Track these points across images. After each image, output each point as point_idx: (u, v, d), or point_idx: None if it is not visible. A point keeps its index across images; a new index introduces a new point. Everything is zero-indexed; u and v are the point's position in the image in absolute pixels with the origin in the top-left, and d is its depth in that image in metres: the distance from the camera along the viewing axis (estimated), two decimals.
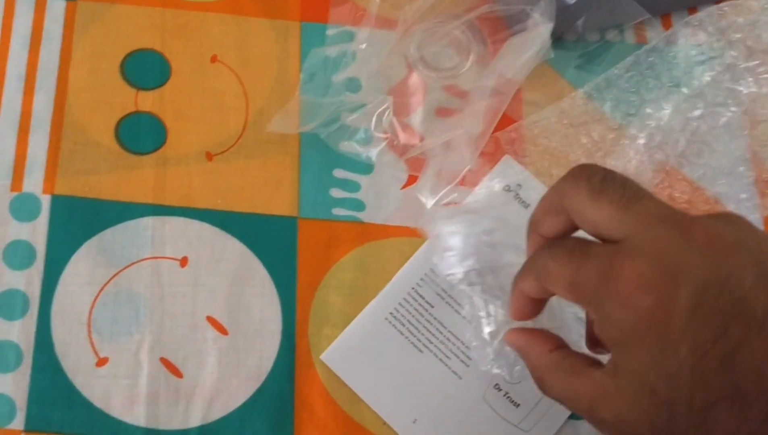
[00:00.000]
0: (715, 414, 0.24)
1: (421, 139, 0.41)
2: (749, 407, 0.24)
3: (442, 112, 0.43)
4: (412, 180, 0.42)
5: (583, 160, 0.41)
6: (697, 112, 0.43)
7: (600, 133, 0.42)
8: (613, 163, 0.41)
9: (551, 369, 0.30)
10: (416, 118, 0.42)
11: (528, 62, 0.41)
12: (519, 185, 0.41)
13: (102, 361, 0.37)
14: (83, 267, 0.38)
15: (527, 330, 0.32)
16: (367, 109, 0.41)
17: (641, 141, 0.42)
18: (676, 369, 0.24)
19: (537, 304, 0.32)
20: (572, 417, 0.37)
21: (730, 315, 0.24)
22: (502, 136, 0.41)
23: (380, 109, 0.41)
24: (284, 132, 0.41)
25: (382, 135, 0.42)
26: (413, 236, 0.41)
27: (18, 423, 0.35)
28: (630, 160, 0.41)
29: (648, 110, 0.43)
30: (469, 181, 0.41)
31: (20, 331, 0.37)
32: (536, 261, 0.30)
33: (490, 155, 0.42)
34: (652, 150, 0.42)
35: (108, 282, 0.38)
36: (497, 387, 0.38)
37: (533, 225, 0.31)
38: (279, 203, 0.41)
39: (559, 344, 0.31)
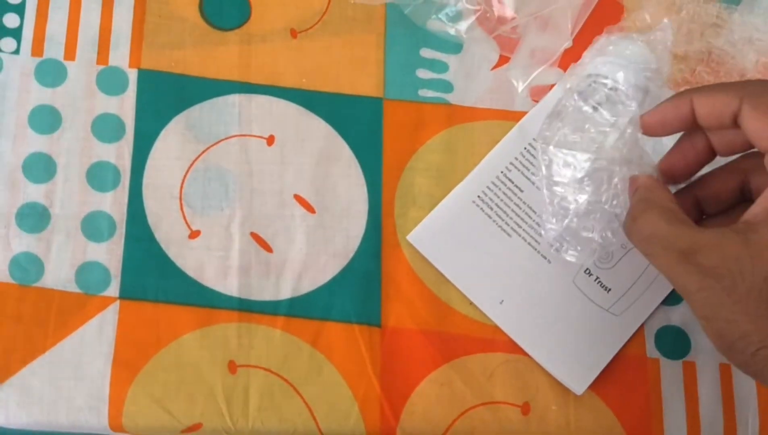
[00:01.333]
0: None
1: (513, 12, 0.39)
2: None
3: None
4: (503, 60, 0.40)
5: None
6: None
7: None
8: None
9: (660, 209, 0.28)
10: None
11: None
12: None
13: (195, 234, 0.37)
14: (173, 142, 0.38)
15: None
16: None
17: None
18: None
19: (684, 125, 0.30)
20: (664, 303, 0.37)
21: None
22: None
23: None
24: (368, 2, 0.39)
25: (473, 6, 0.40)
26: (503, 119, 0.39)
27: (113, 290, 0.36)
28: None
29: None
30: (564, 63, 0.39)
31: (112, 203, 0.37)
32: (745, 83, 0.28)
33: (586, 36, 0.39)
34: None
35: (197, 158, 0.38)
36: (588, 272, 0.37)
37: (688, 93, 0.29)
38: (364, 83, 0.40)
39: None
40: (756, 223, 0.26)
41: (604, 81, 0.34)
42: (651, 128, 0.31)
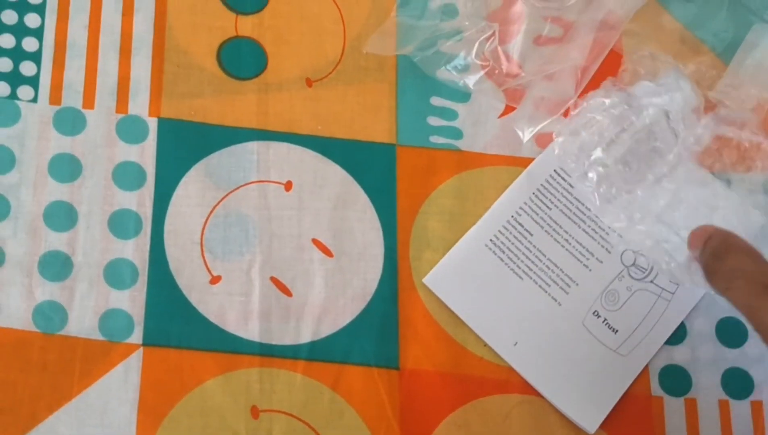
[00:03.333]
0: None
1: (520, 69, 0.41)
2: None
3: (541, 41, 0.42)
4: (509, 110, 0.42)
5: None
6: None
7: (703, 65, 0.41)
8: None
9: (742, 245, 0.30)
10: (515, 46, 0.42)
11: None
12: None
13: (215, 279, 0.38)
14: (193, 189, 0.39)
15: None
16: (466, 35, 0.41)
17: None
18: None
19: None
20: (667, 343, 0.39)
21: None
22: None
23: (483, 36, 0.41)
24: (379, 53, 0.41)
25: (481, 62, 0.41)
26: (511, 165, 0.41)
27: (136, 337, 0.37)
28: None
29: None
30: (567, 112, 0.41)
31: (134, 250, 0.38)
32: None
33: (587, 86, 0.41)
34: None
35: (218, 204, 0.39)
36: (596, 314, 0.39)
37: None
38: (377, 130, 0.41)
39: None
40: None
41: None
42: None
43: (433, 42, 0.41)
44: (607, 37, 0.40)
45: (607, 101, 0.39)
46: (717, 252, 0.31)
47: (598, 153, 0.38)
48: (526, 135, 0.41)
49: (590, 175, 0.38)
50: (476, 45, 0.41)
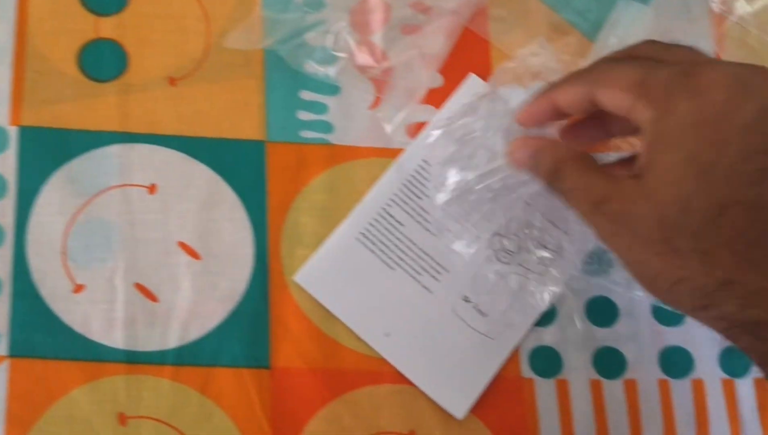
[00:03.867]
0: (731, 215, 0.25)
1: (384, 58, 0.41)
2: (762, 217, 0.25)
3: (407, 29, 0.42)
4: (379, 101, 0.41)
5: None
6: None
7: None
8: None
9: (573, 161, 0.30)
10: (379, 35, 0.41)
11: None
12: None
13: (79, 288, 0.38)
14: (55, 197, 0.38)
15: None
16: (330, 27, 0.41)
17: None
18: (715, 162, 0.26)
19: (553, 116, 0.32)
20: (537, 324, 0.39)
21: None
22: None
23: (345, 27, 0.41)
24: (241, 48, 0.40)
25: (341, 54, 0.41)
26: (382, 157, 0.41)
27: (2, 349, 0.36)
28: None
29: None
30: (434, 101, 0.41)
31: None
32: (592, 69, 0.30)
33: (455, 73, 0.41)
34: None
35: (79, 211, 0.38)
36: (466, 299, 0.39)
37: (549, 88, 0.32)
38: (246, 127, 0.40)
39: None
40: (645, 166, 0.27)
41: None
42: (525, 125, 0.33)
43: (297, 34, 0.41)
44: (456, 21, 0.40)
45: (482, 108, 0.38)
46: (554, 168, 0.31)
47: (468, 175, 0.36)
48: (390, 126, 0.40)
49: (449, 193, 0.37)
50: (334, 36, 0.41)
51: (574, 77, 0.31)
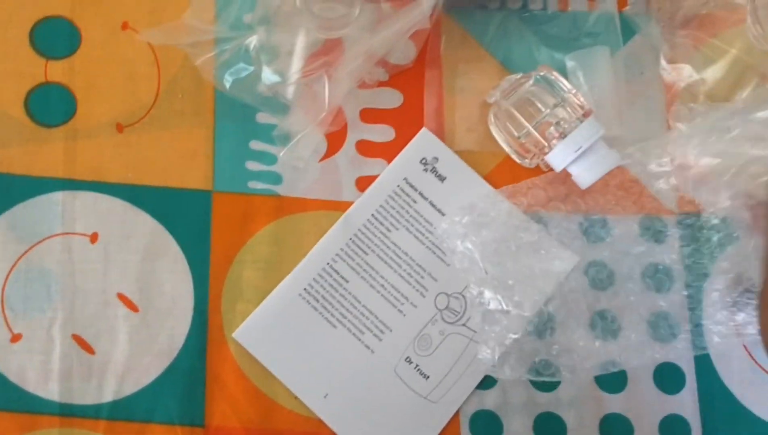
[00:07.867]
0: None
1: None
2: None
3: (364, 85, 0.41)
4: (330, 153, 0.41)
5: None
6: None
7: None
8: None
9: None
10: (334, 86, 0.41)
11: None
12: (435, 158, 0.40)
13: (16, 337, 0.37)
14: None
15: None
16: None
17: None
18: None
19: None
20: (478, 387, 0.38)
21: None
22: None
23: (295, 78, 0.40)
24: (162, 43, 0.40)
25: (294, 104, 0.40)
26: (330, 210, 0.40)
27: None
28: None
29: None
30: (387, 155, 0.40)
31: None
32: None
33: (409, 128, 0.41)
34: None
35: (19, 259, 0.38)
36: (408, 360, 0.38)
37: None
38: (193, 176, 0.40)
39: None
40: None
41: None
42: None
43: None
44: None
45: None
46: None
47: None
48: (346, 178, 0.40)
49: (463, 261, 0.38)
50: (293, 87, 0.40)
51: None
